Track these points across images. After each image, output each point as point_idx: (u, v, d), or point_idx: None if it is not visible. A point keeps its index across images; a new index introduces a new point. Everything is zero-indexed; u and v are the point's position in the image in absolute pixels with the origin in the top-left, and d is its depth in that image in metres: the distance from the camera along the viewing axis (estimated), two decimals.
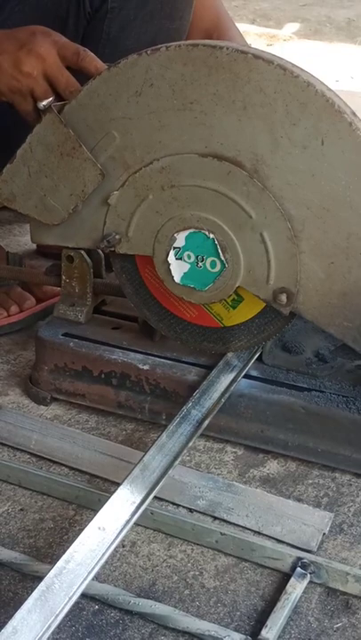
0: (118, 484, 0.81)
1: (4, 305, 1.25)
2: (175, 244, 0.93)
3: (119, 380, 1.03)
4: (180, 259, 0.94)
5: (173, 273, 0.95)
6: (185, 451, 0.88)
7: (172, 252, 0.94)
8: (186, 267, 0.94)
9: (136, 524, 0.81)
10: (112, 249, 0.98)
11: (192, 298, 0.96)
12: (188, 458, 0.97)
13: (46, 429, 1.01)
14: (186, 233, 0.93)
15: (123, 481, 0.81)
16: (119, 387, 1.04)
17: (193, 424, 0.91)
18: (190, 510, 0.89)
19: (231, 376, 0.99)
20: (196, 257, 0.93)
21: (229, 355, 1.02)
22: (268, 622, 0.74)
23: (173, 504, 0.90)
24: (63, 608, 0.67)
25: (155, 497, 0.82)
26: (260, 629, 0.73)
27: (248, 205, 0.89)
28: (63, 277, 1.10)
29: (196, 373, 1.00)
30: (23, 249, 1.58)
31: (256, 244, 0.91)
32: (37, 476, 0.92)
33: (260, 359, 1.02)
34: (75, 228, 1.00)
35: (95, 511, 0.77)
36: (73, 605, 0.68)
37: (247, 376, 1.00)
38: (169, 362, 1.02)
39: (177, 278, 0.95)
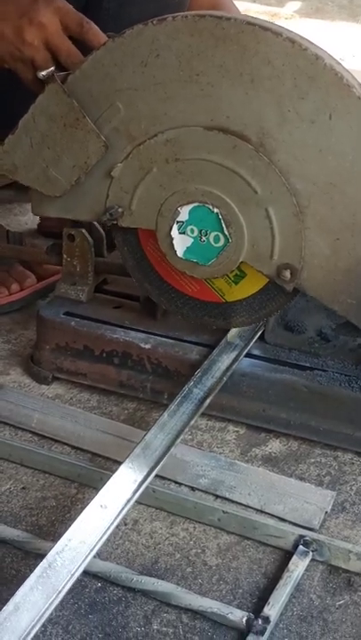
0: (120, 463, 0.80)
1: (5, 283, 1.25)
2: (179, 218, 0.92)
3: (121, 359, 1.03)
4: (184, 233, 0.93)
5: (176, 247, 0.94)
6: (187, 429, 0.87)
7: (175, 226, 0.93)
8: (189, 241, 0.93)
9: (138, 502, 0.81)
10: (115, 222, 0.96)
11: (195, 272, 0.95)
12: (190, 437, 0.97)
13: (48, 408, 1.01)
14: (190, 207, 0.91)
15: (125, 459, 0.80)
16: (121, 366, 1.03)
17: (195, 403, 0.91)
18: (192, 489, 0.89)
19: (233, 355, 0.98)
20: (200, 231, 0.92)
21: (231, 333, 1.01)
22: (271, 600, 0.74)
23: (176, 482, 0.89)
24: (65, 585, 0.66)
25: (157, 475, 0.82)
26: (263, 607, 0.73)
27: (254, 180, 0.88)
28: (64, 256, 1.09)
29: (198, 352, 1.00)
30: (24, 228, 1.57)
31: (261, 219, 0.90)
32: (39, 455, 0.91)
33: (262, 338, 1.01)
34: (77, 200, 0.98)
35: (97, 490, 0.77)
36: (76, 583, 0.68)
37: (249, 355, 0.99)
38: (171, 341, 1.02)
39: (180, 253, 0.94)
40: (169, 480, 0.89)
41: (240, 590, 0.77)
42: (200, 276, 0.95)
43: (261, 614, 0.72)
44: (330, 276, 0.90)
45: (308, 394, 0.95)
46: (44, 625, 0.67)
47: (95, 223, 1.11)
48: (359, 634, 0.73)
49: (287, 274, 0.91)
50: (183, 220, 0.92)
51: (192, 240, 0.93)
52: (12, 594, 0.65)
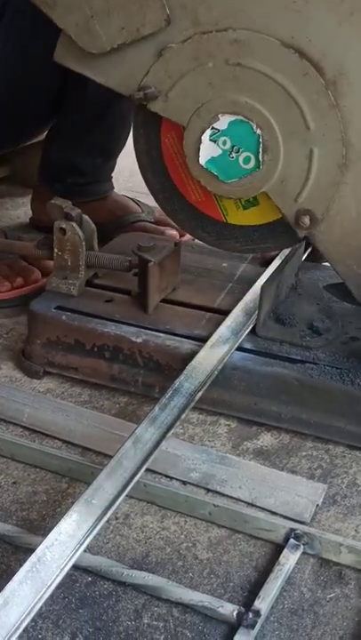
0: (111, 457, 0.80)
1: (9, 278, 1.23)
2: (215, 125, 0.86)
3: (112, 354, 1.03)
4: (215, 142, 0.86)
5: (201, 153, 0.87)
6: (178, 423, 0.87)
7: (208, 132, 0.86)
8: (217, 152, 0.87)
9: (129, 496, 0.81)
10: (144, 103, 0.88)
11: (209, 185, 0.89)
12: (181, 431, 0.97)
13: (39, 403, 1.01)
14: (232, 118, 0.85)
15: (115, 454, 0.80)
16: (112, 360, 1.03)
17: (186, 396, 0.91)
18: (184, 482, 0.89)
19: (224, 348, 0.98)
20: (232, 146, 0.86)
21: (223, 327, 1.01)
22: (261, 593, 0.74)
23: (167, 476, 0.89)
24: (55, 579, 0.66)
25: (148, 469, 0.82)
26: (253, 600, 0.73)
27: (311, 116, 0.83)
28: (55, 250, 1.09)
29: (190, 346, 0.99)
30: (16, 222, 1.57)
31: (302, 157, 0.85)
32: (30, 450, 0.91)
33: (253, 331, 1.01)
34: (110, 65, 0.88)
35: (88, 484, 0.77)
36: (66, 577, 0.68)
37: (240, 348, 0.99)
38: (162, 335, 1.01)
39: (202, 160, 0.88)
40: (160, 474, 0.89)
41: (231, 584, 0.77)
42: (214, 190, 0.90)
43: (252, 608, 0.72)
44: (346, 238, 0.87)
45: (299, 387, 0.95)
46: (33, 619, 0.67)
47: (86, 217, 1.11)
48: (350, 627, 0.73)
49: (306, 220, 0.86)
50: (220, 128, 0.86)
51: (220, 152, 0.87)
52: (1, 588, 0.65)
